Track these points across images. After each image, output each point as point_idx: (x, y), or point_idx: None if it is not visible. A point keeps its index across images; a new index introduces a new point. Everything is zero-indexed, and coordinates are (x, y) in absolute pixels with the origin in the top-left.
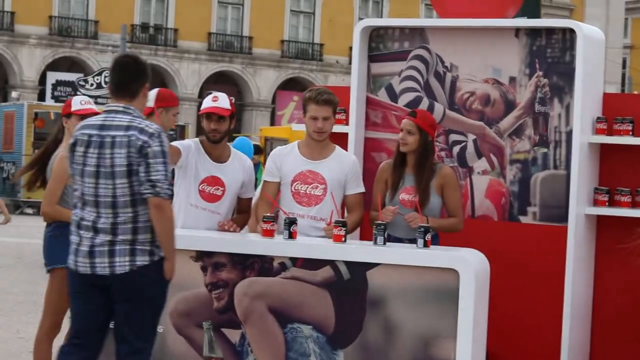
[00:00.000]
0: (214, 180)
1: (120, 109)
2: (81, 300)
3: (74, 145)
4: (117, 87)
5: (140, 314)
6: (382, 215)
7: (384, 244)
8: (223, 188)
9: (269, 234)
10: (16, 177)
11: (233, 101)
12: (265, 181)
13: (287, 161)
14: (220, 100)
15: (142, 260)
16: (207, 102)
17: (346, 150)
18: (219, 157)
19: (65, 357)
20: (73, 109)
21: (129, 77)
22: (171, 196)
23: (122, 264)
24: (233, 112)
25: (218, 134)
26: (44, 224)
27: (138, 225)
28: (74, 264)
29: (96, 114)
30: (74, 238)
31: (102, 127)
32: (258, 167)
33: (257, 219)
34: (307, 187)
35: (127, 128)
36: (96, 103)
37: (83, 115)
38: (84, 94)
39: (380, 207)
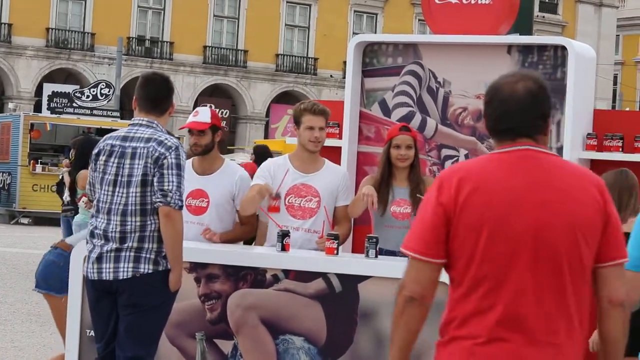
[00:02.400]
0: (199, 193)
1: (144, 122)
2: (96, 309)
3: (97, 155)
4: (148, 102)
5: (141, 322)
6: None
7: (376, 256)
8: (207, 199)
9: (274, 210)
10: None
11: (227, 114)
12: (256, 184)
13: (279, 173)
14: (200, 115)
15: (145, 268)
16: (189, 118)
17: (339, 164)
18: (206, 170)
19: None
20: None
21: (161, 95)
22: (181, 207)
23: (126, 270)
24: (216, 124)
25: (199, 148)
26: (39, 234)
27: (145, 234)
28: (85, 271)
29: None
30: (87, 247)
31: (124, 139)
32: None
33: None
34: (301, 200)
35: (148, 140)
36: (91, 115)
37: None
38: (79, 106)
39: (372, 223)
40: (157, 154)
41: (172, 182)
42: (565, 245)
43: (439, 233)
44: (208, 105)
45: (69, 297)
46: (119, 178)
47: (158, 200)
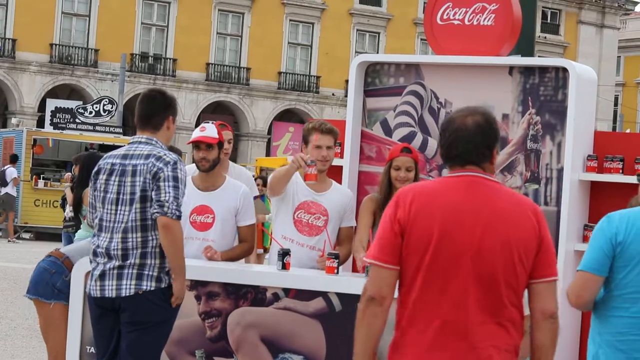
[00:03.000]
0: (203, 209)
1: (144, 139)
2: (98, 326)
3: (97, 174)
4: (142, 119)
5: (143, 339)
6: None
7: None
8: (213, 215)
9: (311, 177)
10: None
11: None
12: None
13: (292, 184)
14: (207, 130)
15: (148, 285)
16: (195, 133)
17: (340, 183)
18: (210, 186)
19: None
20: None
21: (154, 111)
22: (179, 217)
23: (128, 287)
24: (222, 140)
25: (207, 163)
26: (41, 249)
27: (147, 250)
28: (88, 288)
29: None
30: (91, 265)
31: (124, 157)
32: (264, 198)
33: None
34: (310, 217)
35: (147, 157)
36: (94, 131)
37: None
38: (82, 122)
39: (371, 241)
40: (155, 169)
41: (169, 193)
42: (502, 263)
43: (395, 244)
44: (211, 122)
45: (69, 313)
46: (121, 196)
47: (155, 211)
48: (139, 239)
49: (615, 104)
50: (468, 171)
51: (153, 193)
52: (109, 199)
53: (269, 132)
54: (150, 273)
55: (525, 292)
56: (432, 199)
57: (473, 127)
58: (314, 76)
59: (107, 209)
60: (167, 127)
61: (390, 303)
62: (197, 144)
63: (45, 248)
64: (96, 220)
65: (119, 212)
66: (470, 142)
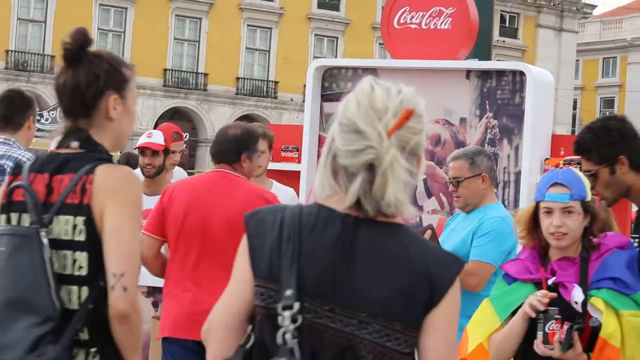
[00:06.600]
0: (149, 213)
1: (1, 140)
2: None
3: None
4: (1, 120)
5: None
6: None
7: None
8: None
9: None
10: None
11: (187, 137)
12: None
13: None
14: (154, 137)
15: None
16: (142, 138)
17: (298, 188)
18: (156, 191)
19: None
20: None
21: (14, 111)
22: None
23: None
24: (167, 148)
25: (152, 169)
26: None
27: None
28: None
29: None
30: None
31: None
32: None
33: None
34: None
35: (1, 157)
36: (50, 138)
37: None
38: (39, 129)
39: None
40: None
41: None
42: (226, 232)
43: (158, 221)
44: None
45: None
46: None
47: None
48: None
49: (574, 108)
50: (221, 168)
51: None
52: None
53: None
54: None
55: None
56: (184, 190)
57: (231, 137)
58: (272, 81)
59: None
60: (28, 127)
61: (156, 260)
62: (142, 150)
63: None
64: None
65: None
66: (226, 147)
